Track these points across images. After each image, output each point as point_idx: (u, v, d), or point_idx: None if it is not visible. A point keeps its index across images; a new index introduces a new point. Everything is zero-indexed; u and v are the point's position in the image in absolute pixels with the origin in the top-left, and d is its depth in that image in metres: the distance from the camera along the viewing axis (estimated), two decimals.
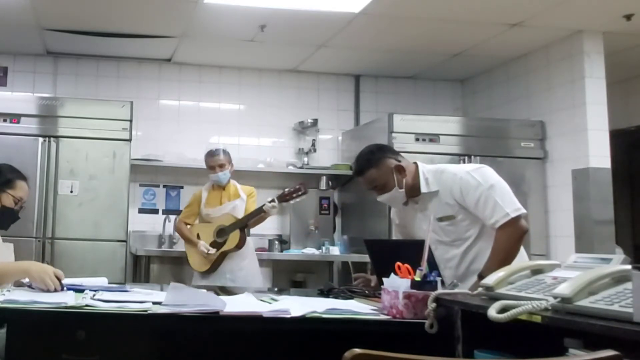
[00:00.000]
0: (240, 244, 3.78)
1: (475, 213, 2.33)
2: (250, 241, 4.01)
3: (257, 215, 3.74)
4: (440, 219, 2.41)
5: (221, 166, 3.85)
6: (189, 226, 3.99)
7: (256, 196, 3.97)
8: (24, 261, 2.35)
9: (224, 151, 3.94)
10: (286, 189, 3.74)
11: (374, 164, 2.45)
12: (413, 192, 2.46)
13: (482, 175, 2.35)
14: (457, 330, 1.69)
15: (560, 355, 1.33)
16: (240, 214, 3.81)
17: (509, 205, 2.28)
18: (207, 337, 2.03)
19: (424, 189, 2.42)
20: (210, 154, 3.92)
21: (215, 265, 3.79)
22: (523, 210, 2.30)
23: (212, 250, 3.77)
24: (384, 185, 2.44)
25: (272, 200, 3.67)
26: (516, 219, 2.27)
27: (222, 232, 3.78)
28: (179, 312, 1.83)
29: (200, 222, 3.97)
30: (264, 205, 3.69)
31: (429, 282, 1.89)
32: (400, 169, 2.44)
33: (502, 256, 2.24)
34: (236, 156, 4.39)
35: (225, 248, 3.77)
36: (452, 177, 2.39)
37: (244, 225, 3.79)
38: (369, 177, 2.46)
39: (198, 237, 3.88)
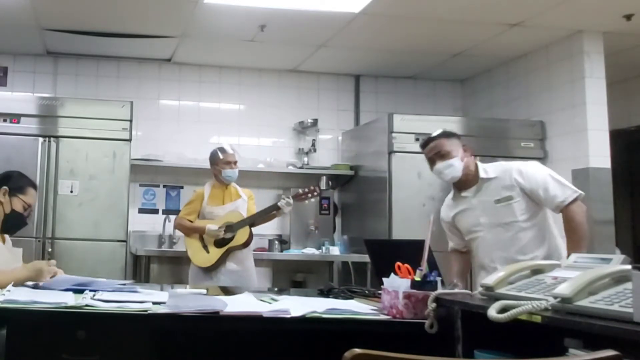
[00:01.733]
0: (248, 242, 3.78)
1: (538, 195, 2.60)
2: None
3: (270, 212, 3.76)
4: (498, 201, 2.68)
5: (235, 162, 3.87)
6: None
7: (254, 199, 3.98)
8: (20, 269, 2.40)
9: (233, 148, 3.95)
10: (300, 190, 3.78)
11: (445, 135, 2.80)
12: (469, 181, 2.76)
13: (537, 164, 2.72)
14: (457, 330, 1.69)
15: (560, 355, 1.33)
16: (243, 214, 3.81)
17: (571, 186, 2.61)
18: (207, 337, 2.03)
19: (482, 174, 2.73)
20: (223, 151, 3.90)
21: (218, 262, 3.78)
22: (579, 192, 2.59)
23: (222, 232, 3.74)
24: (448, 153, 2.73)
25: (288, 198, 3.68)
26: (580, 197, 2.58)
27: (229, 229, 3.77)
28: (179, 312, 1.83)
29: (202, 219, 3.94)
30: (278, 202, 3.70)
31: (429, 282, 1.89)
32: (466, 149, 2.78)
33: (581, 232, 2.55)
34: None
35: (232, 244, 3.76)
36: (509, 165, 2.73)
37: (253, 223, 3.79)
38: (439, 142, 2.77)
39: (201, 236, 3.87)
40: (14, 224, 2.67)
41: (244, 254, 3.83)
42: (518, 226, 2.63)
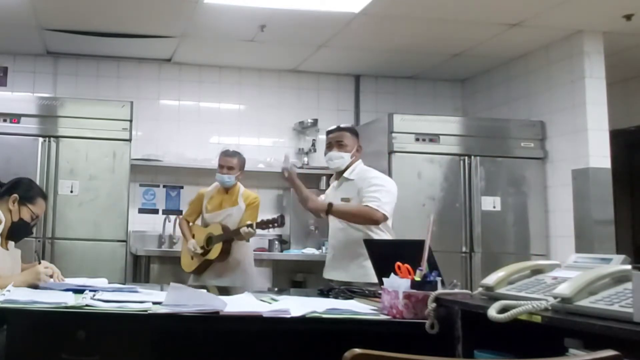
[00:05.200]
0: (222, 258, 3.73)
1: (362, 194, 3.01)
2: (249, 247, 3.95)
3: (235, 235, 3.67)
4: (342, 199, 3.12)
5: (230, 168, 3.74)
6: (191, 224, 3.98)
7: (259, 205, 3.86)
8: (18, 276, 2.36)
9: (240, 155, 3.82)
10: (265, 219, 3.65)
11: (353, 132, 3.23)
12: (341, 173, 3.18)
13: (387, 181, 3.11)
14: (457, 330, 1.69)
15: (560, 355, 1.33)
16: (233, 223, 3.75)
17: (386, 205, 2.98)
18: (207, 337, 2.03)
19: (346, 174, 3.15)
20: (224, 153, 3.81)
21: (200, 269, 3.80)
22: (387, 214, 2.99)
23: (198, 250, 3.76)
24: (346, 146, 3.13)
25: (250, 226, 3.57)
26: (380, 213, 2.95)
27: (209, 241, 3.76)
28: (179, 312, 1.83)
29: (202, 223, 3.94)
30: (240, 228, 3.60)
31: (429, 282, 1.89)
32: (359, 150, 3.20)
33: (350, 209, 3.04)
34: None
35: (208, 257, 3.76)
36: (369, 174, 3.12)
37: (229, 239, 3.72)
38: (344, 134, 3.17)
39: (193, 237, 3.88)
40: (18, 232, 2.63)
41: (225, 266, 3.77)
42: (347, 223, 3.07)
